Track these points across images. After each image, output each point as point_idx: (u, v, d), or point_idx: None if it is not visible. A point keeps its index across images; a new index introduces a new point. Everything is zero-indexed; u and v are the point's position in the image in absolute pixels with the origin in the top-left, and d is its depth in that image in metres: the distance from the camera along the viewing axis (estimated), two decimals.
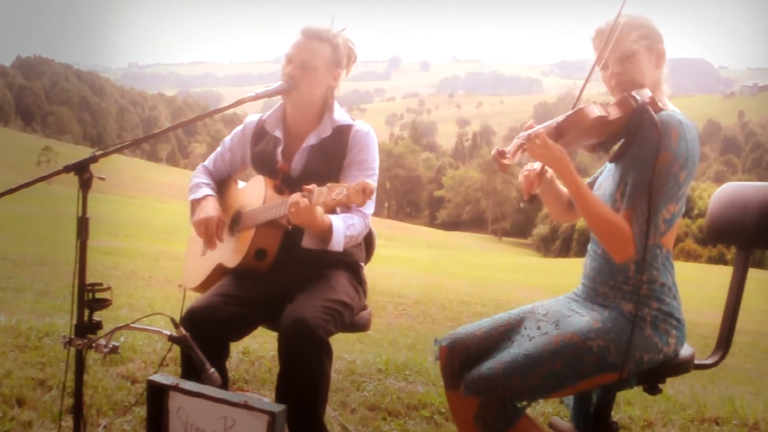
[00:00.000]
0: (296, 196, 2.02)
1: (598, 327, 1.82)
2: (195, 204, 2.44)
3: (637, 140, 1.85)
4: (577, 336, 1.81)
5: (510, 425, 1.83)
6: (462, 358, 1.98)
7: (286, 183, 2.36)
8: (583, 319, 1.88)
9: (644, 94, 1.84)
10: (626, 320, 1.84)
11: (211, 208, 2.37)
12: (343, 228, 2.23)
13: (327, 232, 2.19)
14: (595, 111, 1.81)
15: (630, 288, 1.87)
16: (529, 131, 1.83)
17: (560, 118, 1.84)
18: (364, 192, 1.88)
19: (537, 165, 2.03)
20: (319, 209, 2.04)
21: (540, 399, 1.96)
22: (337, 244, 2.21)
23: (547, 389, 1.81)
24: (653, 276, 1.86)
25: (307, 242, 2.29)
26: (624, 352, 1.79)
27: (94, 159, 1.75)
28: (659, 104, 1.84)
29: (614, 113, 1.83)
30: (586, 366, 1.79)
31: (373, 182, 2.01)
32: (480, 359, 1.93)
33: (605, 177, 2.03)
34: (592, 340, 1.80)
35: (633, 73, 1.91)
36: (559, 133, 1.83)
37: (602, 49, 1.92)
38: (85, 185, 1.73)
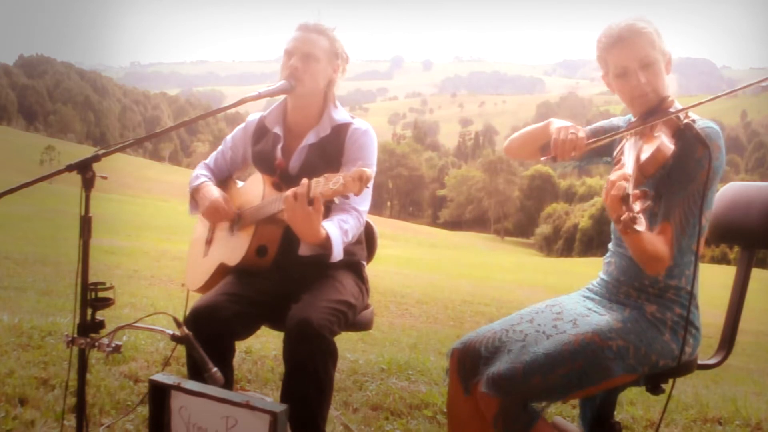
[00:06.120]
0: (290, 191, 1.99)
1: (619, 327, 1.81)
2: (195, 192, 2.45)
3: (675, 154, 1.78)
4: (597, 336, 1.79)
5: (529, 427, 1.78)
6: (474, 359, 1.92)
7: (284, 180, 2.36)
8: (603, 318, 1.86)
9: (677, 107, 1.80)
10: (647, 322, 1.83)
11: (211, 192, 2.38)
12: (340, 236, 2.20)
13: (324, 243, 2.14)
14: (670, 147, 1.72)
15: (656, 291, 1.86)
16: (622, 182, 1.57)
17: (636, 160, 1.70)
18: (361, 179, 1.85)
19: (582, 133, 1.87)
20: (317, 216, 1.99)
21: (560, 400, 1.89)
22: (338, 254, 2.19)
23: (568, 389, 1.78)
24: (682, 283, 1.85)
25: (304, 250, 2.26)
26: (643, 355, 1.78)
27: (96, 158, 1.75)
28: (689, 115, 1.80)
29: (670, 139, 1.75)
30: (606, 366, 1.77)
31: None
32: (493, 359, 1.88)
33: None
34: (612, 340, 1.78)
35: (656, 83, 1.85)
36: (644, 175, 1.71)
37: (622, 57, 1.84)
38: (87, 184, 1.73)
